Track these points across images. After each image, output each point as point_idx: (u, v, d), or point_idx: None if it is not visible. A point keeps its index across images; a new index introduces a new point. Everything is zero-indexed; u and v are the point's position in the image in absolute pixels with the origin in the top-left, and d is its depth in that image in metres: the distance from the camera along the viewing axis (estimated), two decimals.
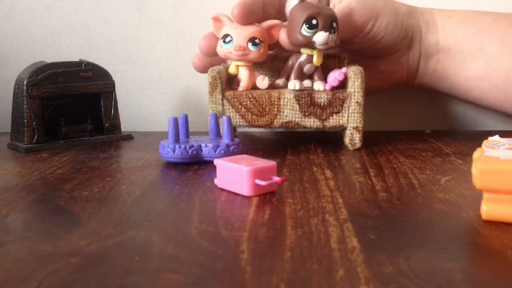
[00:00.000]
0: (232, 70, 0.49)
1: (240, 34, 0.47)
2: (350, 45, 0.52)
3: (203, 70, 0.52)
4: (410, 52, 0.53)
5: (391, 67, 0.54)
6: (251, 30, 0.47)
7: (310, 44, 0.46)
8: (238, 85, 0.49)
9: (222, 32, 0.48)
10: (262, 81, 0.48)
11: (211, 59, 0.52)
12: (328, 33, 0.46)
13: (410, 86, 0.57)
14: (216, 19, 0.49)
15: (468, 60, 0.53)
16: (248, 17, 0.47)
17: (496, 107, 0.55)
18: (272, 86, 0.50)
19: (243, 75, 0.49)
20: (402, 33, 0.51)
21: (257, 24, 0.48)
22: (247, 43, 0.47)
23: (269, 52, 0.53)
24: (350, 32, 0.50)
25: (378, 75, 0.54)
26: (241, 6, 0.46)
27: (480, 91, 0.53)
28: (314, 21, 0.45)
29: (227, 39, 0.47)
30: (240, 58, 0.48)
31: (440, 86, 0.55)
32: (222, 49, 0.48)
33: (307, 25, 0.45)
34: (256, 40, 0.47)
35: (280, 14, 0.49)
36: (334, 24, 0.46)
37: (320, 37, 0.45)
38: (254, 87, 0.49)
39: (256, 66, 0.52)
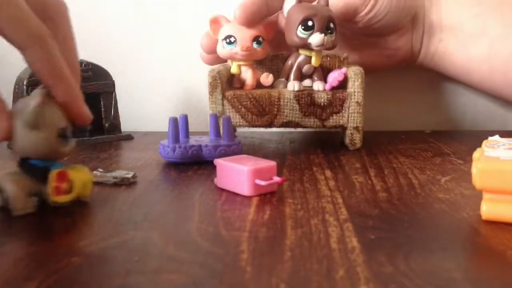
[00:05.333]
0: (234, 69, 0.49)
1: (244, 34, 0.47)
2: (352, 24, 0.51)
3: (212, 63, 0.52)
4: (414, 30, 0.53)
5: (396, 44, 0.54)
6: (254, 30, 0.47)
7: (306, 46, 0.46)
8: (240, 83, 0.49)
9: (223, 33, 0.48)
10: (267, 78, 0.49)
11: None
12: (323, 34, 0.45)
13: (412, 65, 0.56)
14: (214, 21, 0.49)
15: (471, 41, 0.52)
16: (251, 20, 0.47)
17: (495, 92, 0.55)
18: (272, 87, 0.50)
19: (248, 74, 0.49)
20: (404, 11, 0.51)
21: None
22: (252, 42, 0.47)
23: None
24: (351, 12, 0.49)
25: (383, 52, 0.54)
26: (244, 9, 0.46)
27: (481, 74, 0.53)
28: (310, 23, 0.45)
29: (231, 40, 0.47)
30: (246, 58, 0.48)
31: (441, 67, 0.55)
32: (225, 50, 0.48)
33: (302, 27, 0.45)
34: (259, 39, 0.48)
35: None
36: (331, 25, 0.46)
37: (316, 38, 0.45)
38: (258, 85, 0.49)
39: (256, 65, 0.52)
